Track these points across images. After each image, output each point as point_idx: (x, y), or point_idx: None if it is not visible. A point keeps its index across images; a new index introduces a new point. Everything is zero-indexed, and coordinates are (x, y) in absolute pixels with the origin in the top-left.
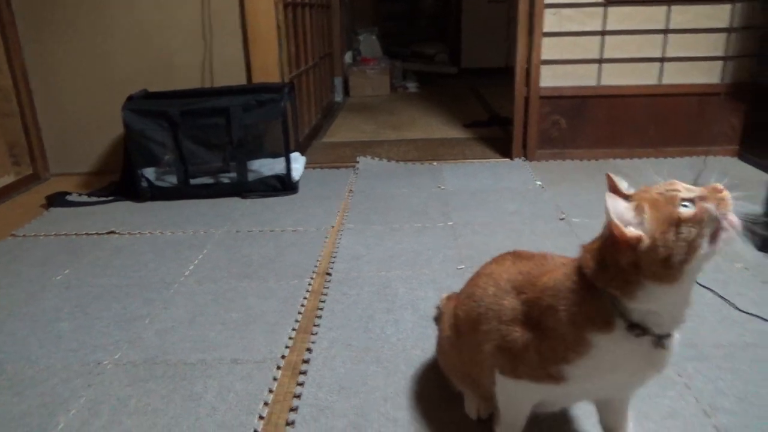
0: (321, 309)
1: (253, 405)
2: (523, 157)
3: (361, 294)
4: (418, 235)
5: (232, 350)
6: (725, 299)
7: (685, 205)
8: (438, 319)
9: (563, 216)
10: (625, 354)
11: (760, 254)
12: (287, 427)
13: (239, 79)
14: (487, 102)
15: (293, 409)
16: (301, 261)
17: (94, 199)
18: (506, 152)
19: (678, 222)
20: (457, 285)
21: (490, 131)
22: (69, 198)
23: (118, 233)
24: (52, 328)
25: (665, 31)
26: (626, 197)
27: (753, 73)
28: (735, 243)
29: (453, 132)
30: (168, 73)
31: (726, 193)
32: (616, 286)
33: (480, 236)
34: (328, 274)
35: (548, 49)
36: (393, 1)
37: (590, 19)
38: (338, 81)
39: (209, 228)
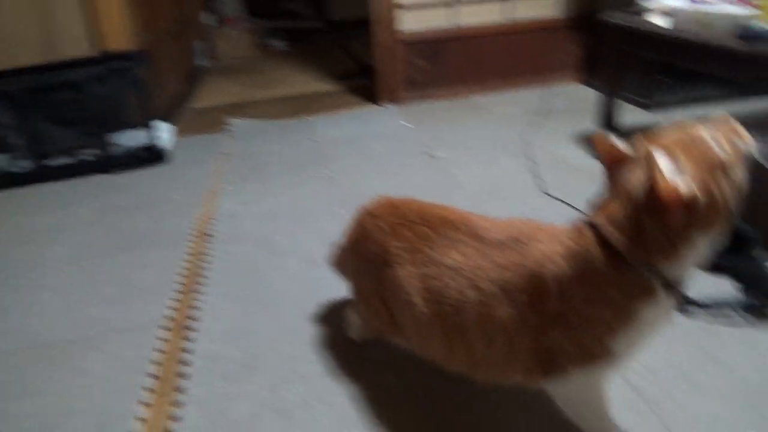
0: (205, 269)
1: (143, 367)
2: (389, 102)
3: (243, 249)
4: (297, 188)
5: (115, 321)
6: (575, 207)
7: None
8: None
9: (431, 153)
10: (662, 313)
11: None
12: (181, 380)
13: (86, 51)
14: (355, 53)
15: (186, 363)
16: (180, 227)
17: None
18: (373, 99)
19: (724, 167)
20: (336, 229)
21: (359, 81)
22: None
23: None
24: None
25: None
26: (626, 157)
27: (592, 6)
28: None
29: (324, 86)
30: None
31: (734, 123)
32: (660, 253)
33: (357, 180)
34: (209, 235)
35: None
36: None
37: None
38: (201, 45)
39: (76, 207)
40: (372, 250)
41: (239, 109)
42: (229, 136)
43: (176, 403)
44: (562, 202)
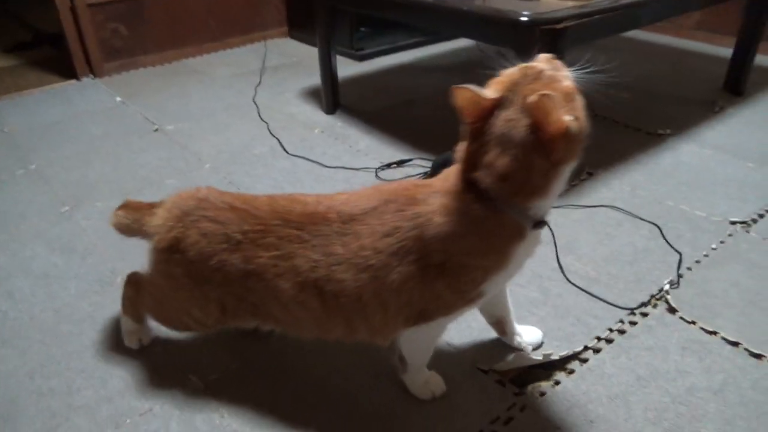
0: None
1: None
2: (91, 75)
3: None
4: None
5: None
6: (314, 161)
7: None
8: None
9: (156, 127)
10: (529, 247)
11: (329, 117)
12: None
13: None
14: (24, 18)
15: None
16: None
17: None
18: (70, 73)
19: (573, 95)
20: (66, 231)
21: (42, 52)
22: None
23: None
24: None
25: None
26: (491, 105)
27: None
28: None
29: None
30: None
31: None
32: (535, 193)
33: (75, 171)
34: None
35: None
36: None
37: None
38: None
39: None
40: (218, 260)
41: None
42: None
43: None
44: (307, 159)
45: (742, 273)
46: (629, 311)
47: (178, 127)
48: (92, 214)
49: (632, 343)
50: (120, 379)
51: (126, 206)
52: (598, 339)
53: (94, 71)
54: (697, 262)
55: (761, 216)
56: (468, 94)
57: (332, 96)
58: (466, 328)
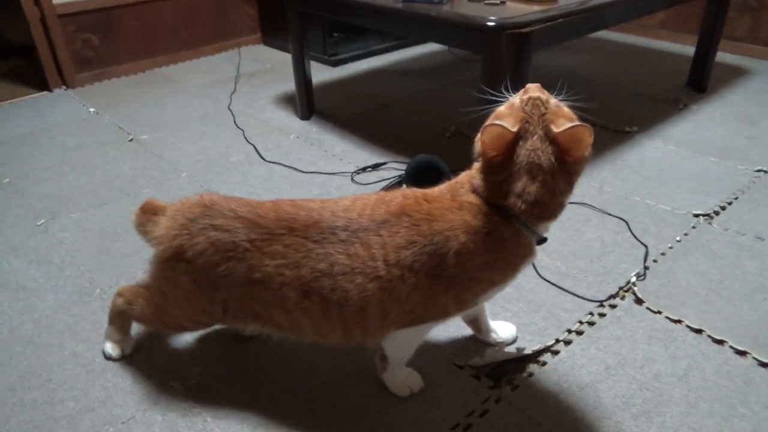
0: None
1: None
2: (63, 86)
3: None
4: None
5: None
6: (290, 167)
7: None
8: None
9: (131, 137)
10: (529, 264)
11: (304, 123)
12: None
13: None
14: None
15: None
16: None
17: None
18: (42, 84)
19: (573, 119)
20: (43, 243)
21: (12, 64)
22: None
23: None
24: None
25: None
26: (514, 137)
27: None
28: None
29: None
30: None
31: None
32: (553, 213)
33: (50, 183)
34: None
35: None
36: None
37: None
38: None
39: None
40: (226, 268)
41: None
42: None
43: None
44: (283, 165)
45: (705, 263)
46: (598, 303)
47: (154, 137)
48: (69, 226)
49: (601, 334)
50: (101, 388)
51: (142, 208)
52: (569, 331)
53: (66, 82)
54: (663, 254)
55: (723, 208)
56: (498, 130)
57: (307, 102)
58: (442, 326)
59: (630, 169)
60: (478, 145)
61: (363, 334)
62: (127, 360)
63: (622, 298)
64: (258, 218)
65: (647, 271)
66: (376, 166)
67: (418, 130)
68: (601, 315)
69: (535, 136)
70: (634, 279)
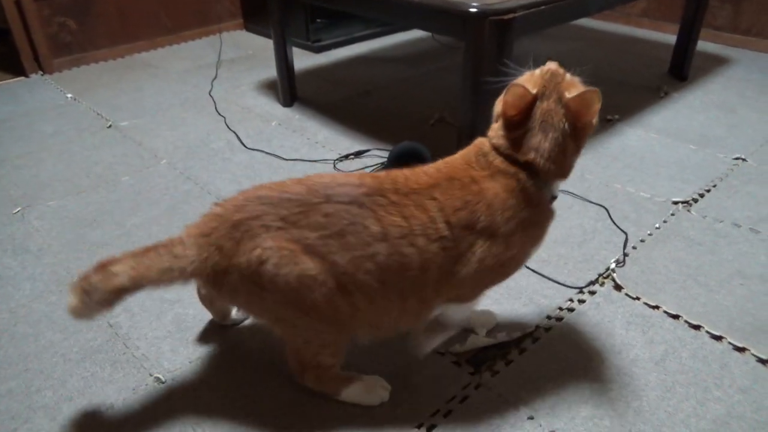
0: None
1: None
2: (40, 72)
3: None
4: None
5: None
6: (272, 154)
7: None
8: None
9: (110, 123)
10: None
11: (286, 109)
12: None
13: None
14: None
15: None
16: None
17: None
18: (18, 70)
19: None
20: (19, 231)
21: None
22: None
23: None
24: None
25: None
26: (533, 98)
27: None
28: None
29: None
30: None
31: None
32: (565, 172)
33: (26, 170)
34: None
35: None
36: None
37: None
38: None
39: None
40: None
41: None
42: None
43: None
44: (265, 152)
45: (683, 250)
46: (578, 290)
47: (133, 123)
48: (46, 214)
49: (580, 320)
50: (79, 378)
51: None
52: (549, 318)
53: (42, 67)
54: (642, 241)
55: (701, 196)
56: (520, 90)
57: (289, 88)
58: None
59: (611, 157)
60: (499, 105)
61: (420, 306)
62: (106, 348)
63: (602, 284)
64: (293, 194)
65: (626, 258)
66: (358, 154)
67: (401, 117)
68: (581, 302)
69: (551, 99)
70: (613, 266)
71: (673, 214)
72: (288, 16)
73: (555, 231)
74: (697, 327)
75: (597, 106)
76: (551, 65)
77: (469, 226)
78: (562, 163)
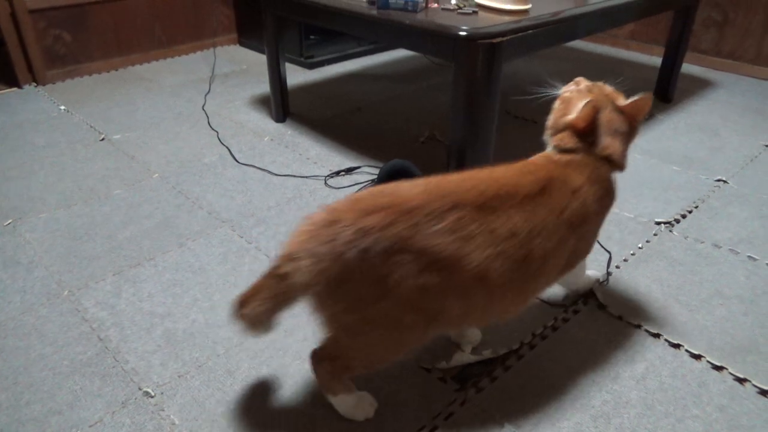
0: None
1: None
2: (33, 83)
3: None
4: None
5: None
6: (264, 169)
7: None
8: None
9: (102, 136)
10: None
11: (278, 125)
12: None
13: None
14: None
15: None
16: None
17: None
18: (12, 81)
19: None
20: (10, 244)
21: None
22: None
23: None
24: None
25: None
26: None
27: None
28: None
29: None
30: None
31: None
32: (624, 165)
33: (18, 182)
34: None
35: None
36: None
37: None
38: None
39: None
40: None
41: None
42: None
43: None
44: (257, 168)
45: (665, 270)
46: (563, 308)
47: (126, 136)
48: (37, 227)
49: (564, 338)
50: (69, 391)
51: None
52: (534, 335)
53: (36, 79)
54: (625, 260)
55: (684, 216)
56: (591, 107)
57: (282, 104)
58: None
59: None
60: (566, 119)
61: (546, 283)
62: (94, 361)
63: (585, 303)
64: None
65: (610, 277)
66: (349, 170)
67: (392, 134)
68: (565, 320)
69: (608, 109)
70: (597, 285)
71: (656, 234)
72: (282, 32)
73: None
74: (677, 346)
75: (648, 108)
76: (582, 80)
77: (576, 215)
78: (624, 158)
